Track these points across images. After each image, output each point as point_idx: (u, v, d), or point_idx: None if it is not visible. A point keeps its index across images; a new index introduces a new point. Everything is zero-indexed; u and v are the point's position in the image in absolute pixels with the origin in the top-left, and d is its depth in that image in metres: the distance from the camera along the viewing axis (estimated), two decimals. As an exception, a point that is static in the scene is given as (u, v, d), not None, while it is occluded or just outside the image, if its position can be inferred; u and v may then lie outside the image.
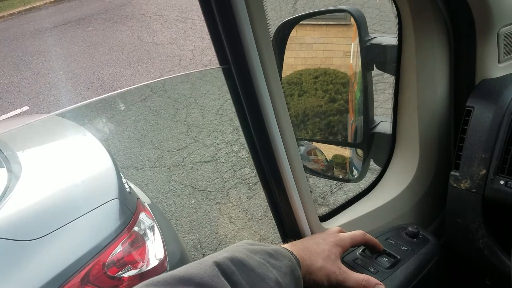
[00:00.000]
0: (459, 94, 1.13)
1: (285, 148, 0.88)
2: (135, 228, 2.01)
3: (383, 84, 4.38)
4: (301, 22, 1.33)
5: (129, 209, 2.06)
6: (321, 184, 3.65)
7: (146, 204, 2.30)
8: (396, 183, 1.20)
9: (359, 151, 1.31)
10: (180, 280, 0.64)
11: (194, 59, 6.72)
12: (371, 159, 1.30)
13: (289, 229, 0.98)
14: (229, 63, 0.82)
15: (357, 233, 0.95)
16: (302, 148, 1.44)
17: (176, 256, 2.15)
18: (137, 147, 4.78)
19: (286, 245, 0.87)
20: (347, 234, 0.94)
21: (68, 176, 2.23)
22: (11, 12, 11.02)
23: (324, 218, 1.11)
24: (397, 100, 1.18)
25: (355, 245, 0.95)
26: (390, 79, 1.21)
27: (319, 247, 0.88)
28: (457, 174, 1.05)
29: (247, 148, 0.95)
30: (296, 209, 0.94)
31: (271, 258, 0.77)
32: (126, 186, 2.23)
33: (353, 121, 1.31)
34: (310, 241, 0.91)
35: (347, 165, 1.40)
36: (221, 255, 0.71)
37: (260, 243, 0.81)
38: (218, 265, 0.68)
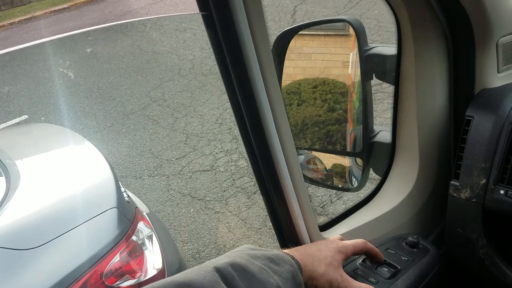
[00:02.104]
0: (459, 103, 1.13)
1: (285, 157, 0.88)
2: (133, 238, 2.00)
3: (382, 93, 4.40)
4: (300, 32, 1.33)
5: (127, 218, 2.05)
6: (320, 193, 3.64)
7: (144, 213, 2.29)
8: (395, 193, 1.20)
9: (359, 161, 1.31)
10: (180, 286, 0.63)
11: (193, 68, 6.74)
12: (371, 169, 1.30)
13: (289, 239, 0.97)
14: (229, 71, 0.82)
15: (359, 241, 0.94)
16: (301, 157, 1.43)
17: (174, 266, 2.14)
18: (136, 156, 4.78)
19: (288, 250, 0.87)
20: (349, 242, 0.94)
21: (66, 185, 2.22)
22: (11, 21, 11.05)
23: (324, 227, 1.10)
24: (396, 110, 1.18)
25: (356, 253, 0.94)
26: (389, 88, 1.22)
27: (322, 253, 0.87)
28: (457, 183, 1.04)
29: (246, 157, 0.95)
30: (296, 219, 0.93)
31: (272, 263, 0.76)
32: (125, 195, 2.22)
33: (352, 130, 1.31)
34: (312, 247, 0.91)
35: (347, 174, 1.40)
36: (221, 260, 0.71)
37: (261, 248, 0.80)
38: (219, 270, 0.67)
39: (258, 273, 0.71)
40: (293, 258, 0.81)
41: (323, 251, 0.88)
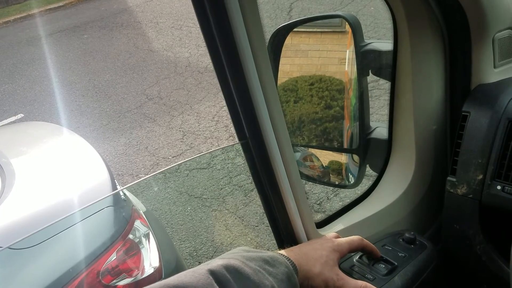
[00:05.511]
0: (455, 99, 1.13)
1: (281, 154, 0.87)
2: (130, 236, 1.99)
3: (378, 90, 4.40)
4: (296, 29, 1.32)
5: (124, 217, 2.04)
6: (317, 190, 3.64)
7: (141, 212, 2.29)
8: (392, 189, 1.19)
9: (355, 157, 1.31)
10: None
11: (189, 66, 6.72)
12: (367, 165, 1.29)
13: (285, 236, 0.97)
14: (225, 69, 0.82)
15: (354, 238, 0.94)
16: (298, 154, 1.43)
17: (171, 264, 2.13)
18: (132, 154, 4.76)
19: (283, 251, 0.86)
20: (344, 240, 0.93)
21: (62, 184, 2.21)
22: (6, 20, 10.99)
23: (321, 224, 1.10)
24: (392, 106, 1.18)
25: (352, 250, 0.94)
26: (385, 85, 1.22)
27: (317, 253, 0.87)
28: (454, 179, 1.04)
29: (242, 155, 0.94)
30: (293, 216, 0.93)
31: (267, 265, 0.76)
32: (121, 193, 2.21)
33: (349, 127, 1.31)
34: (307, 246, 0.90)
35: (343, 171, 1.39)
36: (216, 262, 0.70)
37: (256, 250, 0.80)
38: (213, 273, 0.67)
39: (253, 275, 0.71)
40: (288, 259, 0.81)
41: (318, 250, 0.88)
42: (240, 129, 0.89)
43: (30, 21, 10.81)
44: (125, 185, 4.07)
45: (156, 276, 1.98)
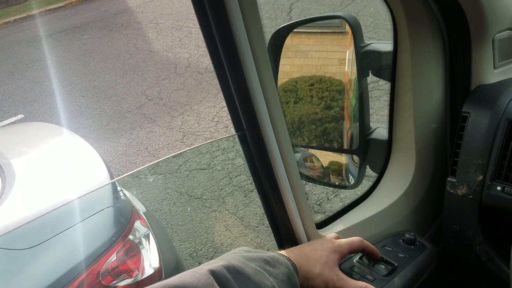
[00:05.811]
0: (455, 99, 1.13)
1: (281, 155, 0.87)
2: (130, 237, 1.99)
3: (378, 91, 4.40)
4: (296, 30, 1.33)
5: (124, 217, 2.04)
6: (317, 191, 3.64)
7: (141, 212, 2.29)
8: (392, 190, 1.19)
9: (355, 158, 1.31)
10: None
11: (189, 66, 6.72)
12: (367, 166, 1.30)
13: (286, 237, 0.97)
14: (224, 69, 0.82)
15: (355, 239, 0.94)
16: (298, 155, 1.43)
17: (171, 265, 2.13)
18: (133, 154, 4.76)
19: (283, 252, 0.86)
20: (345, 241, 0.93)
21: (62, 184, 2.21)
22: (6, 20, 10.99)
23: (321, 225, 1.10)
24: (392, 106, 1.18)
25: (352, 251, 0.94)
26: (385, 86, 1.22)
27: (317, 253, 0.87)
28: (454, 180, 1.04)
29: (243, 155, 0.94)
30: (293, 216, 0.93)
31: (268, 265, 0.76)
32: (121, 194, 2.21)
33: (349, 127, 1.31)
34: (307, 247, 0.90)
35: (343, 171, 1.39)
36: (216, 263, 0.70)
37: (257, 250, 0.80)
38: (213, 273, 0.67)
39: (253, 275, 0.71)
40: (288, 259, 0.81)
41: (319, 251, 0.88)
42: (240, 129, 0.89)
43: (30, 22, 10.81)
44: (125, 185, 4.08)
45: (156, 276, 1.98)
